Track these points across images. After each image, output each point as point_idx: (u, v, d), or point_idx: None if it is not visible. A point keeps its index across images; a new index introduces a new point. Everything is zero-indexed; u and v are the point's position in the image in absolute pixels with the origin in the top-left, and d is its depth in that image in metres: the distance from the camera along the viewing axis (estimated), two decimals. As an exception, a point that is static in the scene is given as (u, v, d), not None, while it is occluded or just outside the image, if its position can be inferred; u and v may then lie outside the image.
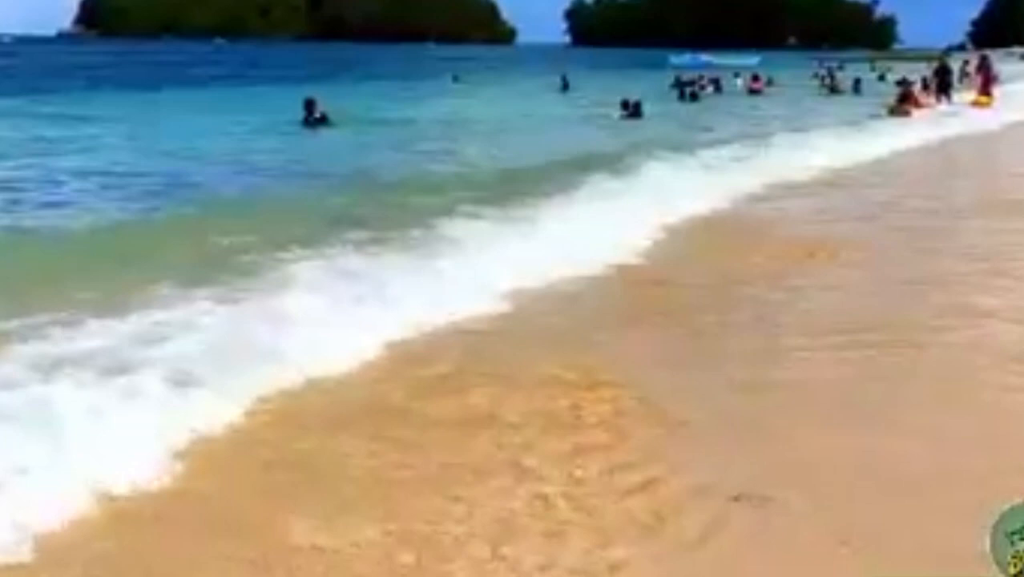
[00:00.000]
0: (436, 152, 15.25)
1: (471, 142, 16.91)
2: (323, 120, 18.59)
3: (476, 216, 8.21)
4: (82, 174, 11.68)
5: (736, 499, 3.35)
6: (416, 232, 7.49)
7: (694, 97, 30.58)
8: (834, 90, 35.84)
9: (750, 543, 3.14)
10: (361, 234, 7.45)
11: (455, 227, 7.63)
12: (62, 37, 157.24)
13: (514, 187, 10.03)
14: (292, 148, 15.58)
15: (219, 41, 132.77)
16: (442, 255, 6.67)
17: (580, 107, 25.79)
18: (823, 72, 43.45)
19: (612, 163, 11.83)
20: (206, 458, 3.68)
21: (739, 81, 38.19)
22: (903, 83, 29.35)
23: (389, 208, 9.10)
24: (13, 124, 18.22)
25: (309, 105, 18.69)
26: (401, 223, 7.84)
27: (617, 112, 22.50)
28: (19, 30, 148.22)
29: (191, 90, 31.03)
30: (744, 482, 3.45)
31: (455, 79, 40.48)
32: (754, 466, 3.63)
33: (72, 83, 32.99)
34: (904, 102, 22.96)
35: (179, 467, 3.57)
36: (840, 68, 49.23)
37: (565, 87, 35.26)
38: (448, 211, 8.35)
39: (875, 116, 22.30)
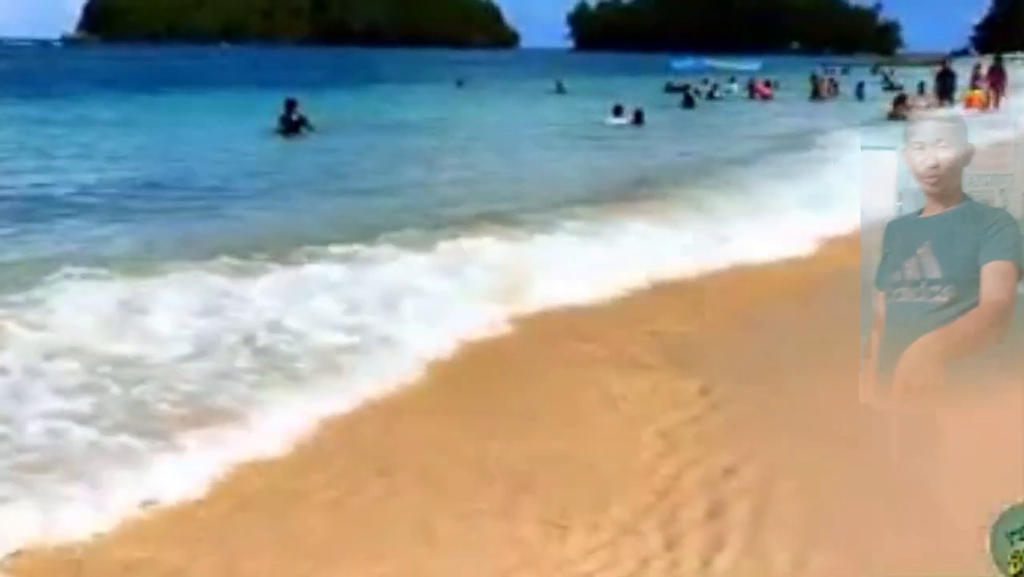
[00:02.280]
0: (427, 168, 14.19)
1: (501, 160, 15.56)
2: (302, 123, 17.99)
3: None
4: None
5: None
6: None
7: (689, 103, 29.82)
8: (816, 96, 34.55)
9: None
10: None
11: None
12: (66, 42, 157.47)
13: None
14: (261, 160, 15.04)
15: (224, 46, 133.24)
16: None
17: (588, 114, 25.12)
18: (826, 77, 43.47)
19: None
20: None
21: (734, 86, 37.43)
22: (892, 87, 29.41)
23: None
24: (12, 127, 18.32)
25: (289, 105, 18.18)
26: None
27: (613, 119, 22.19)
28: (24, 34, 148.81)
29: (191, 95, 31.00)
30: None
31: (459, 84, 40.80)
32: None
33: (74, 88, 33.02)
34: (900, 105, 23.20)
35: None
36: (845, 72, 49.30)
37: (561, 91, 36.69)
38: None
39: (876, 120, 22.58)
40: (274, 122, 18.04)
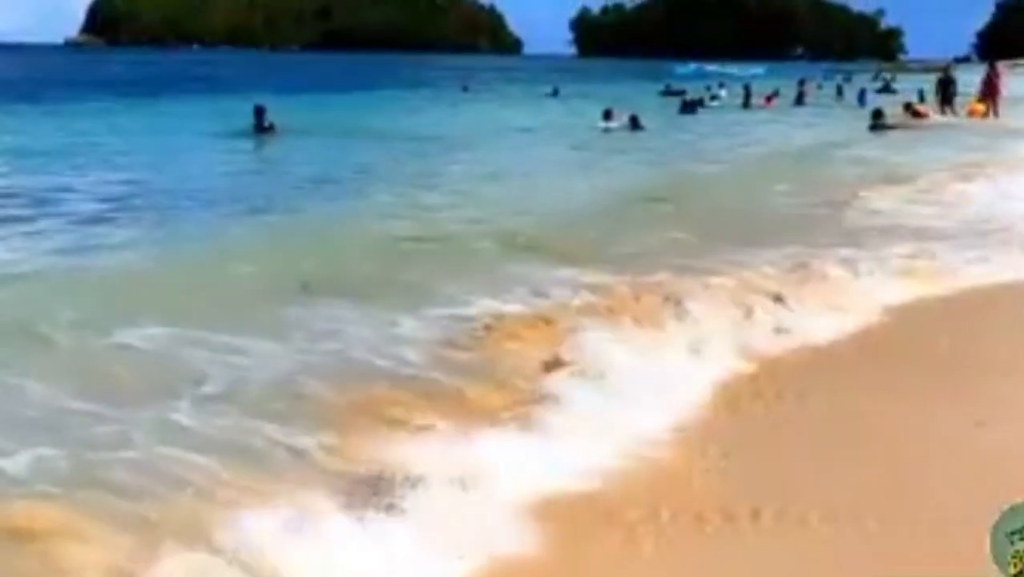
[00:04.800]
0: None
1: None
2: (271, 128, 18.66)
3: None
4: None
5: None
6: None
7: (688, 108, 28.84)
8: (800, 102, 33.91)
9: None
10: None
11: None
12: (69, 45, 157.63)
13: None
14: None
15: (225, 50, 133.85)
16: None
17: (581, 118, 24.54)
18: (837, 83, 43.77)
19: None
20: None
21: (723, 92, 36.83)
22: (888, 90, 28.96)
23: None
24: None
25: (258, 112, 18.88)
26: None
27: (602, 123, 21.72)
28: (27, 38, 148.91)
29: (187, 101, 31.03)
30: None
31: (464, 89, 41.41)
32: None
33: (71, 92, 33.10)
34: (879, 118, 22.70)
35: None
36: (847, 79, 49.40)
37: (556, 95, 37.19)
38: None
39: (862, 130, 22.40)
40: (248, 126, 18.76)
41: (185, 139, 18.56)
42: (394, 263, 7.36)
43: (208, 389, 4.55)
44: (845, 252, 7.90)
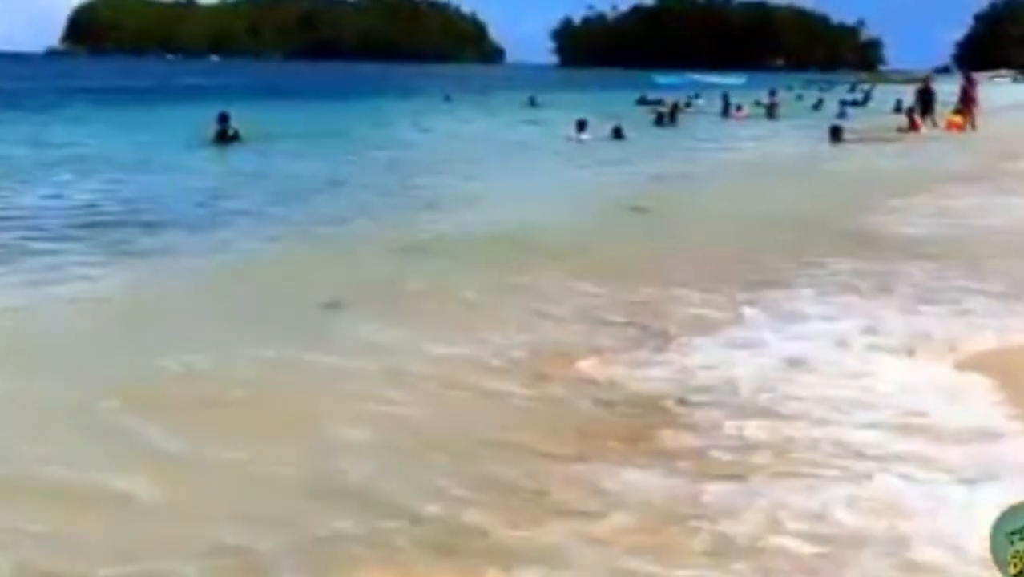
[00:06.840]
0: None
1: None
2: (235, 136, 18.69)
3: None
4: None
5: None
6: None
7: (664, 118, 28.35)
8: (771, 115, 33.17)
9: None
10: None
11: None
12: (51, 54, 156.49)
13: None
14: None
15: (208, 59, 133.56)
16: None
17: (554, 127, 24.55)
18: (817, 95, 44.00)
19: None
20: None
21: (701, 101, 37.01)
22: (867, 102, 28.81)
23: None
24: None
25: (222, 118, 18.89)
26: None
27: (574, 134, 21.56)
28: (8, 47, 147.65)
29: (164, 109, 30.90)
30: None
31: (447, 98, 41.53)
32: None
33: (47, 101, 32.95)
34: (836, 133, 22.48)
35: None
36: (825, 90, 49.77)
37: (533, 104, 36.92)
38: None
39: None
40: (211, 133, 18.73)
41: (147, 150, 17.83)
42: (403, 276, 7.16)
43: (372, 430, 4.16)
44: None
